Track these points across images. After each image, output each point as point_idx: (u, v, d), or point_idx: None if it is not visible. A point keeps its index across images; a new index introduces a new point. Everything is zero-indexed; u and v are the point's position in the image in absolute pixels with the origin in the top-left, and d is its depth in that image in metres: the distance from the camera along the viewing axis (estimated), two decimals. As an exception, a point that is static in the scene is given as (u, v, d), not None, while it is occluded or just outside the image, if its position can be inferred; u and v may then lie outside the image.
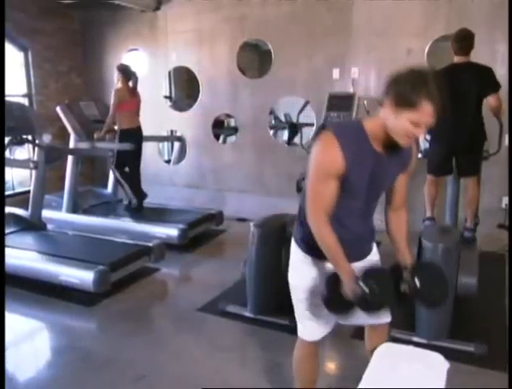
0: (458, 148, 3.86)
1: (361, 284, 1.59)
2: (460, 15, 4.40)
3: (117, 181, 5.35)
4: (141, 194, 5.30)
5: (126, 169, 5.27)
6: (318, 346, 2.01)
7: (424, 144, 4.27)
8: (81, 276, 3.49)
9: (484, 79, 3.72)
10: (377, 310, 1.67)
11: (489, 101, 3.73)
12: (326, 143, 1.63)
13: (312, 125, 5.33)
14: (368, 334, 2.04)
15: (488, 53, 4.24)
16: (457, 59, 3.85)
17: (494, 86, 3.69)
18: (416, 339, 2.78)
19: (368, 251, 1.91)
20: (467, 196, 4.02)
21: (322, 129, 1.70)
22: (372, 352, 1.84)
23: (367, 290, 1.58)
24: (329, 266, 1.79)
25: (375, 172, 1.67)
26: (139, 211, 5.19)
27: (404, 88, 1.52)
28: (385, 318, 1.94)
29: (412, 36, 4.72)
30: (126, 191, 5.24)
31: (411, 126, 1.53)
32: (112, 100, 4.98)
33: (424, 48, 4.69)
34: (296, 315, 1.96)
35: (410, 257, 1.82)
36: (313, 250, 1.78)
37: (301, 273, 1.89)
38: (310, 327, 1.94)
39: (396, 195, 1.84)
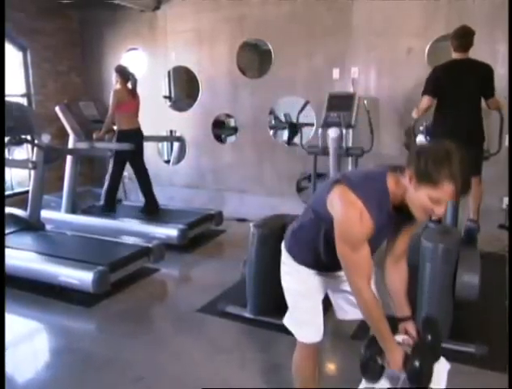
0: (461, 143, 3.85)
1: (415, 362, 1.59)
2: (460, 15, 4.40)
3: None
4: (154, 198, 5.32)
5: (126, 173, 5.30)
6: (317, 348, 2.01)
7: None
8: (80, 277, 3.49)
9: (483, 77, 3.74)
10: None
11: (488, 104, 3.77)
12: (350, 205, 1.53)
13: (312, 125, 5.33)
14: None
15: (488, 52, 4.25)
16: (456, 56, 3.85)
17: (491, 89, 3.73)
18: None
19: None
20: (470, 194, 4.03)
21: (336, 183, 1.61)
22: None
23: (418, 367, 1.59)
24: (323, 276, 1.83)
25: (384, 229, 1.63)
26: (155, 214, 5.23)
27: (426, 164, 1.45)
28: None
29: (412, 36, 4.73)
30: (105, 191, 5.30)
31: (430, 202, 1.47)
32: (111, 100, 4.99)
33: (425, 47, 4.70)
34: (292, 319, 1.96)
35: (408, 309, 1.81)
36: (308, 264, 1.82)
37: (295, 279, 1.91)
38: (307, 331, 1.95)
39: (398, 246, 1.79)
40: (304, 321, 1.94)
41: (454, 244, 2.75)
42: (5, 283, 2.81)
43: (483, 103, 3.84)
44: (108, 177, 5.30)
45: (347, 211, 1.55)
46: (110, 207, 5.26)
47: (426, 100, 3.87)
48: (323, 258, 1.80)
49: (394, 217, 1.62)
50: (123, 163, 5.23)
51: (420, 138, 4.18)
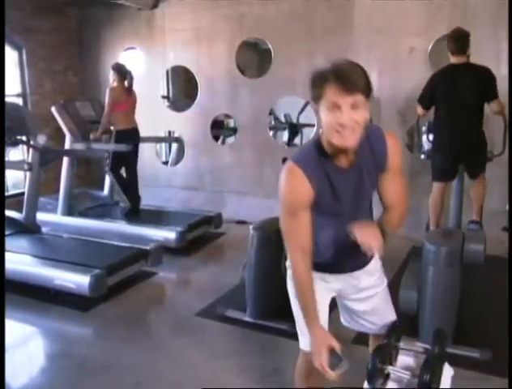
0: (463, 152, 3.87)
1: (341, 359, 1.51)
2: (463, 14, 4.42)
3: (113, 183, 5.36)
4: (137, 198, 5.30)
5: (123, 172, 5.29)
6: None
7: (427, 145, 4.28)
8: (76, 280, 3.49)
9: (484, 81, 3.74)
10: None
11: (492, 107, 3.77)
12: (289, 174, 1.57)
13: (313, 125, 5.34)
14: (372, 343, 2.04)
15: (492, 52, 4.25)
16: (454, 60, 3.86)
17: (494, 91, 3.72)
18: (419, 344, 2.77)
19: (368, 259, 1.85)
20: (473, 192, 4.04)
21: (284, 162, 1.63)
22: None
23: (345, 365, 1.51)
24: (330, 279, 1.81)
25: (341, 186, 1.60)
26: (135, 215, 5.19)
27: (312, 87, 1.50)
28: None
29: (414, 35, 4.74)
30: (121, 195, 5.26)
31: (331, 115, 1.46)
32: (106, 99, 4.98)
33: (427, 47, 4.70)
34: (298, 326, 1.90)
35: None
36: (314, 266, 1.72)
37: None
38: (307, 340, 1.88)
39: (384, 196, 1.74)
40: (305, 329, 1.87)
41: (457, 247, 2.75)
42: (4, 284, 2.81)
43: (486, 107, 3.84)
44: (116, 184, 5.29)
45: (286, 180, 1.58)
46: (136, 206, 5.23)
47: (419, 109, 3.98)
48: (318, 255, 1.74)
49: (350, 172, 1.60)
50: (120, 163, 5.21)
51: (424, 139, 4.20)
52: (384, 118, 4.95)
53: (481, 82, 3.74)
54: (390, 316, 1.94)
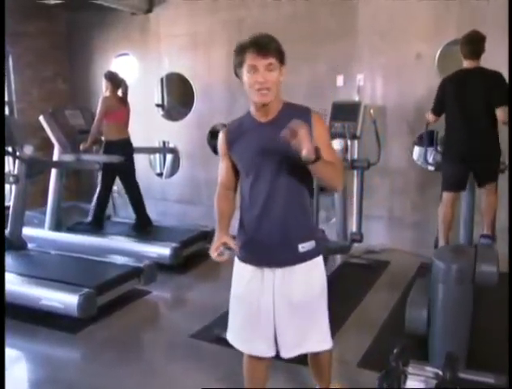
0: (473, 159, 3.89)
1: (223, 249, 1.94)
2: (473, 17, 4.45)
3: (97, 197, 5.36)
4: (146, 214, 5.32)
5: (115, 187, 5.31)
6: (256, 364, 2.18)
7: (435, 157, 4.30)
8: (65, 300, 3.48)
9: (496, 86, 3.75)
10: None
11: (498, 114, 3.77)
12: (220, 132, 2.09)
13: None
14: (310, 362, 2.26)
15: (503, 57, 4.27)
16: (466, 64, 3.89)
17: (501, 97, 3.72)
18: (429, 369, 2.76)
19: (291, 257, 1.98)
20: (484, 203, 4.04)
21: None
22: (317, 380, 2.17)
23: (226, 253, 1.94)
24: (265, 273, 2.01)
25: (260, 139, 1.94)
26: (147, 231, 5.26)
27: (235, 54, 1.93)
28: (324, 345, 2.10)
29: (421, 40, 4.78)
30: (93, 209, 5.32)
31: (249, 76, 1.87)
32: (98, 108, 5.02)
33: (435, 52, 4.74)
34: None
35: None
36: (240, 255, 2.06)
37: (234, 277, 2.13)
38: (236, 340, 2.17)
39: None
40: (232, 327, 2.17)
41: (468, 264, 2.74)
42: (4, 286, 2.79)
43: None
44: (97, 192, 5.31)
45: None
46: (98, 224, 5.26)
47: (430, 116, 4.02)
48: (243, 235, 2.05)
49: (268, 128, 1.93)
50: (112, 176, 5.24)
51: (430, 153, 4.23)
52: (390, 127, 4.97)
53: (492, 87, 3.76)
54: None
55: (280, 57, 1.90)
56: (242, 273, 2.09)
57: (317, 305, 2.06)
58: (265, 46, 1.85)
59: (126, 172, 5.24)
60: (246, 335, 2.12)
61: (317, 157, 1.77)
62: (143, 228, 5.27)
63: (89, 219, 5.33)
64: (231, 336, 2.20)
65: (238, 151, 2.01)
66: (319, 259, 2.06)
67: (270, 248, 1.99)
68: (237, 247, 2.00)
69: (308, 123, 1.88)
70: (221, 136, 2.07)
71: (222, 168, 2.11)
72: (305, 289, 2.01)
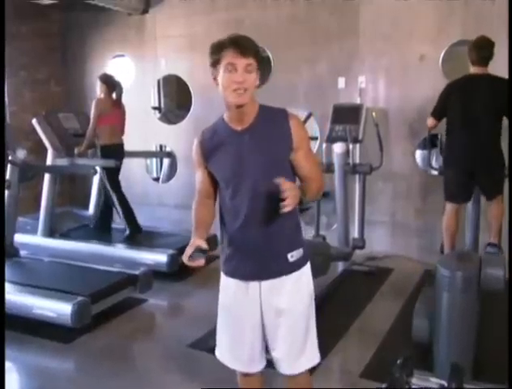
0: (478, 171, 3.88)
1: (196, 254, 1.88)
2: (478, 18, 4.46)
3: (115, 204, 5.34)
4: (135, 220, 5.31)
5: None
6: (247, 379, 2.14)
7: (438, 161, 4.30)
8: (58, 309, 3.46)
9: (503, 94, 3.73)
10: None
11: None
12: (195, 141, 2.03)
13: (316, 139, 5.36)
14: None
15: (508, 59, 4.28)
16: (473, 70, 3.88)
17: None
18: (434, 380, 2.75)
19: (280, 268, 1.94)
20: (490, 212, 4.03)
21: None
22: None
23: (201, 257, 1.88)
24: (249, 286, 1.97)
25: (238, 150, 1.89)
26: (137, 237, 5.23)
27: (211, 52, 1.90)
28: (315, 360, 2.04)
29: (425, 41, 4.79)
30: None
31: (228, 75, 1.81)
32: (92, 112, 5.02)
33: (439, 54, 4.75)
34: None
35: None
36: (224, 269, 2.06)
37: (221, 291, 2.13)
38: (224, 355, 2.14)
39: (301, 172, 1.96)
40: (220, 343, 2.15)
41: (474, 271, 2.74)
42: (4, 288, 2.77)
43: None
44: (116, 203, 5.27)
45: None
46: (136, 231, 5.27)
47: (429, 121, 4.01)
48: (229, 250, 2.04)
49: (245, 137, 1.89)
50: (117, 179, 5.23)
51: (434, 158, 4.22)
52: (393, 130, 4.98)
53: (499, 95, 3.74)
54: None
55: (258, 59, 1.86)
56: (227, 286, 2.06)
57: (307, 315, 2.00)
58: (245, 45, 1.82)
59: (115, 177, 5.23)
60: (233, 352, 2.09)
61: (300, 201, 1.79)
62: (134, 235, 5.25)
63: (127, 232, 5.27)
64: (219, 352, 2.17)
65: (216, 163, 1.95)
66: (307, 267, 2.01)
67: (257, 260, 1.95)
68: (222, 258, 2.04)
69: (286, 127, 1.88)
70: (196, 146, 2.00)
71: (199, 178, 2.06)
72: (294, 300, 1.96)
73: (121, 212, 5.27)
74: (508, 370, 2.16)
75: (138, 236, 5.26)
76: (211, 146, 1.95)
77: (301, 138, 1.93)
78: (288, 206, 1.71)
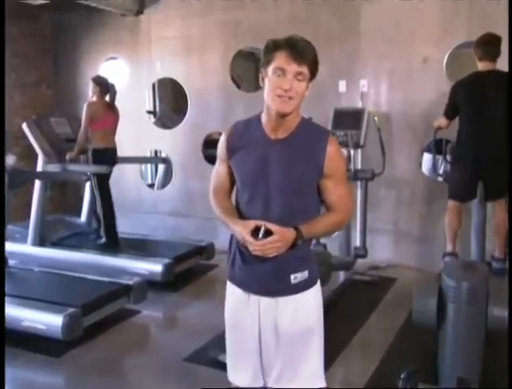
0: (484, 167, 3.89)
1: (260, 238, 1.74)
2: (484, 19, 4.48)
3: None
4: (116, 232, 5.30)
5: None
6: None
7: (444, 166, 4.31)
8: (48, 321, 3.45)
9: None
10: None
11: None
12: (224, 132, 1.99)
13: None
14: None
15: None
16: (481, 66, 3.91)
17: None
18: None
19: (280, 288, 1.91)
20: (494, 221, 4.03)
21: None
22: None
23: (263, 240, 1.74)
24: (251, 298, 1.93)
25: (265, 158, 1.84)
26: (113, 247, 5.19)
27: (264, 51, 1.79)
28: (317, 382, 1.97)
29: (429, 43, 4.81)
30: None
31: (275, 79, 1.74)
32: (84, 115, 5.02)
33: (443, 56, 4.76)
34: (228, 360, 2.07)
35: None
36: (230, 276, 2.00)
37: (227, 302, 2.05)
38: (231, 371, 2.06)
39: (328, 201, 1.91)
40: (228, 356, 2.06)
41: (481, 282, 2.74)
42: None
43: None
44: (99, 209, 5.26)
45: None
46: (113, 241, 5.23)
47: (441, 121, 4.02)
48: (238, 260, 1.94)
49: (277, 147, 1.84)
50: (107, 183, 5.22)
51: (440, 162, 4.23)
52: (395, 135, 4.99)
53: (508, 91, 3.77)
54: None
55: (313, 69, 1.77)
56: (231, 295, 2.03)
57: (309, 339, 1.94)
58: (301, 50, 1.73)
59: (105, 182, 5.22)
60: (232, 364, 2.06)
61: (294, 243, 1.79)
62: (112, 244, 5.20)
63: (103, 239, 5.25)
64: (227, 363, 2.11)
65: (239, 162, 1.91)
66: (313, 290, 1.95)
67: (259, 275, 1.90)
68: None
69: (323, 150, 1.82)
70: (223, 140, 1.95)
71: (218, 173, 2.02)
72: (294, 321, 1.91)
73: (102, 220, 5.25)
74: (508, 370, 2.15)
75: (113, 248, 5.18)
76: (239, 143, 1.90)
77: (335, 167, 1.85)
78: (267, 254, 1.74)
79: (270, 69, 1.75)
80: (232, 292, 2.01)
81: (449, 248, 4.15)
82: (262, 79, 1.81)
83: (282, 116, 1.79)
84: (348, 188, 1.97)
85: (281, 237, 1.75)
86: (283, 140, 1.84)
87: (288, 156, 1.83)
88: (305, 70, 1.73)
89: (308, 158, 1.83)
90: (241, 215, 1.91)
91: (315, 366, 1.96)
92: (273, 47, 1.76)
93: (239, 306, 1.98)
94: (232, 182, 1.99)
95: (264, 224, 1.74)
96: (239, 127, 1.95)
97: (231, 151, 1.92)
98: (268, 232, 1.73)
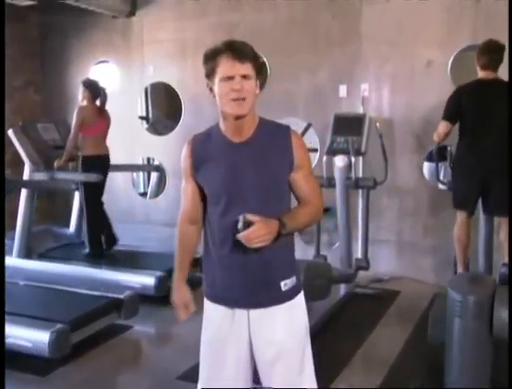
0: (488, 175, 3.91)
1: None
2: (489, 21, 4.51)
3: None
4: (113, 237, 5.29)
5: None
6: None
7: (447, 175, 4.32)
8: (34, 338, 3.43)
9: None
10: None
11: None
12: (184, 147, 2.01)
13: (315, 151, 5.37)
14: None
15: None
16: (482, 75, 3.95)
17: None
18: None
19: (272, 297, 1.91)
20: (502, 233, 4.05)
21: None
22: None
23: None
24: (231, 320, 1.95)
25: (235, 164, 1.88)
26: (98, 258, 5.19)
27: (205, 60, 1.90)
28: None
29: (432, 46, 4.84)
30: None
31: (225, 84, 1.80)
32: (74, 120, 5.02)
33: (447, 59, 4.79)
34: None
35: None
36: (207, 292, 2.08)
37: (205, 321, 2.08)
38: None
39: (299, 194, 1.97)
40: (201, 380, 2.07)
41: (487, 296, 2.74)
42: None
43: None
44: (87, 218, 5.26)
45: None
46: (97, 252, 5.23)
47: (443, 126, 4.02)
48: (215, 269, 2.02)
49: (243, 149, 1.88)
50: (97, 192, 5.21)
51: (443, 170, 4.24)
52: (398, 142, 5.00)
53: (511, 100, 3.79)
54: None
55: (257, 65, 1.85)
56: (211, 314, 2.03)
57: (303, 349, 1.96)
58: (241, 50, 1.81)
59: (99, 190, 5.22)
60: (208, 376, 2.05)
61: (279, 234, 1.81)
62: (95, 256, 5.21)
63: (86, 250, 5.26)
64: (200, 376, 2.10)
65: (206, 175, 1.92)
66: (301, 295, 1.98)
67: (246, 287, 1.91)
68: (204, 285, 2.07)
69: (288, 144, 1.89)
70: (185, 154, 1.97)
71: (186, 193, 2.03)
72: (288, 332, 1.92)
73: (87, 229, 5.26)
74: (508, 370, 2.14)
75: (97, 258, 5.20)
76: (203, 155, 1.93)
77: (303, 157, 1.93)
78: (252, 244, 1.76)
79: (216, 76, 1.83)
80: (212, 313, 2.03)
81: (460, 268, 4.16)
82: (211, 90, 1.88)
83: (240, 118, 1.84)
84: (316, 180, 2.06)
85: (265, 225, 1.77)
86: (248, 142, 1.89)
87: (257, 156, 1.88)
88: (249, 67, 1.81)
89: (278, 154, 1.89)
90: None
91: (313, 377, 2.00)
92: (213, 54, 1.85)
93: (222, 323, 1.98)
94: (204, 201, 1.99)
95: (244, 216, 1.76)
96: (199, 139, 1.98)
97: (196, 165, 1.94)
98: (249, 225, 1.75)
